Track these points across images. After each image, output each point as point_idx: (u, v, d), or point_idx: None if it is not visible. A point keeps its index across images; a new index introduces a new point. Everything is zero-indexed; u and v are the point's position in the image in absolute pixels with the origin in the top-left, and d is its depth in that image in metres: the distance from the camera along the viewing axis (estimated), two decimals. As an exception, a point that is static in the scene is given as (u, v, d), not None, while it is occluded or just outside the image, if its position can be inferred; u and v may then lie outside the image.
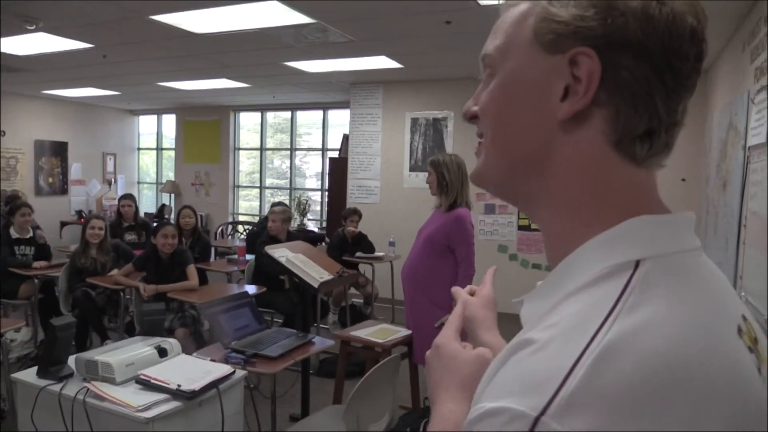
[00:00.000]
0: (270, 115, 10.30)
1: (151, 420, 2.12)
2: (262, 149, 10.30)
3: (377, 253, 6.30)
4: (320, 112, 9.60)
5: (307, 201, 9.36)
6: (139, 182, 11.69)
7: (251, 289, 4.81)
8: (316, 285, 3.33)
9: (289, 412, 3.87)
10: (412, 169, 7.43)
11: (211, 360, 2.71)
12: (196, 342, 4.44)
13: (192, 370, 2.45)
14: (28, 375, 2.43)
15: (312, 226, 9.24)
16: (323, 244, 6.69)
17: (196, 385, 2.30)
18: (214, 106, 10.19)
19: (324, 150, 9.60)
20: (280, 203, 6.09)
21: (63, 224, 9.09)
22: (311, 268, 3.38)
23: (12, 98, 9.01)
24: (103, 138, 10.77)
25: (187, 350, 3.24)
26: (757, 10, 3.56)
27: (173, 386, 2.27)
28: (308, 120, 10.05)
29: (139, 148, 11.68)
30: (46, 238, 5.65)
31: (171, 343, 2.65)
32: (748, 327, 0.53)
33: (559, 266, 0.55)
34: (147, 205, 11.39)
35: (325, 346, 3.38)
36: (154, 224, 5.69)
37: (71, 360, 2.47)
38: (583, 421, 0.42)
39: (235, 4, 4.24)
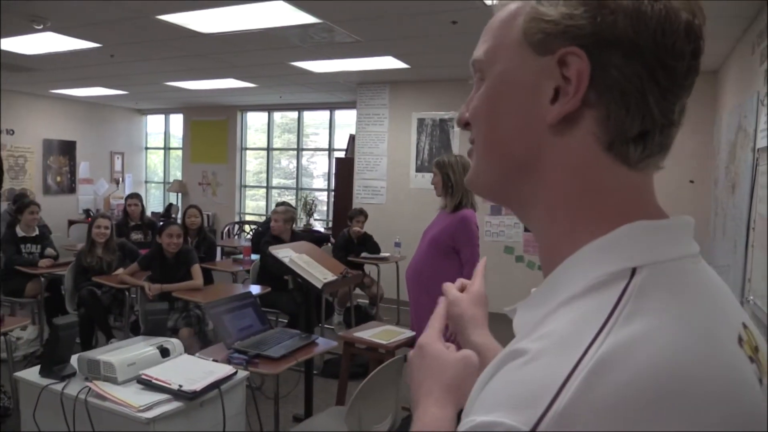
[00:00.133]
0: (277, 115, 10.31)
1: (152, 420, 2.11)
2: (269, 149, 10.31)
3: (383, 254, 6.29)
4: (327, 113, 9.61)
5: (313, 201, 9.36)
6: (146, 181, 11.74)
7: (255, 289, 4.81)
8: (319, 285, 3.32)
9: (292, 412, 3.87)
10: (418, 169, 7.42)
11: (214, 360, 2.70)
12: (201, 342, 4.44)
13: (194, 371, 2.45)
14: (31, 374, 2.44)
15: (318, 227, 9.24)
16: (328, 244, 6.68)
17: (198, 386, 2.29)
18: (221, 106, 10.22)
19: (331, 150, 9.60)
20: (283, 203, 6.10)
21: (71, 223, 9.15)
22: (315, 269, 3.37)
23: (21, 97, 9.07)
24: (110, 137, 10.82)
25: (191, 350, 3.25)
26: (767, 12, 3.52)
27: (174, 386, 2.27)
28: (315, 120, 10.06)
29: (146, 148, 11.72)
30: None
31: (173, 343, 2.64)
32: (749, 335, 0.52)
33: (553, 273, 0.53)
34: (154, 204, 11.44)
35: (328, 347, 3.38)
36: (161, 224, 5.70)
37: (74, 359, 2.47)
38: None
39: (241, 4, 4.24)
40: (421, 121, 7.41)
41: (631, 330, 0.44)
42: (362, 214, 6.32)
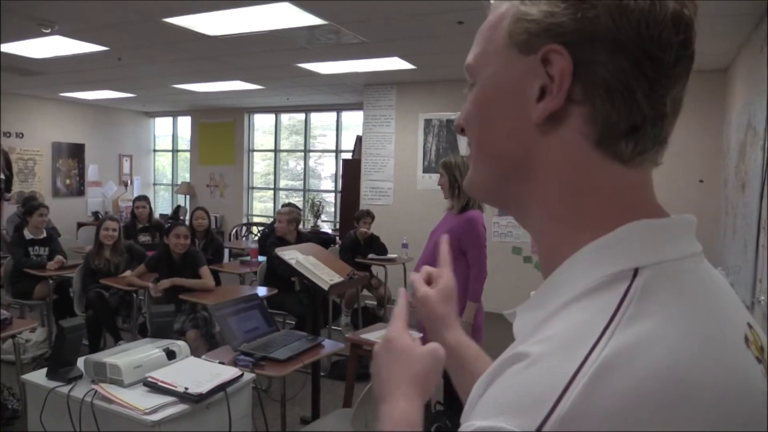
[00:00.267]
0: (284, 117, 10.33)
1: (158, 423, 2.11)
2: (276, 151, 10.33)
3: (390, 255, 6.28)
4: (334, 114, 9.62)
5: (320, 202, 9.37)
6: (155, 184, 11.79)
7: (262, 290, 4.81)
8: (326, 287, 3.31)
9: (299, 414, 3.86)
10: (425, 170, 7.41)
11: (220, 362, 2.70)
12: (208, 344, 4.44)
13: (200, 373, 2.45)
14: (38, 376, 2.44)
15: (326, 228, 9.24)
16: (335, 245, 6.68)
17: (204, 388, 2.29)
18: (228, 108, 10.25)
19: (338, 151, 9.61)
20: (288, 204, 6.09)
21: (80, 225, 9.19)
22: (321, 271, 3.36)
23: (30, 101, 9.14)
24: (119, 140, 10.89)
25: (198, 352, 3.26)
26: (777, 8, 3.48)
27: (180, 389, 2.26)
28: (322, 122, 10.07)
29: (154, 150, 11.78)
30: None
31: (179, 346, 2.64)
32: (755, 335, 0.50)
33: (553, 275, 0.52)
34: (163, 206, 11.49)
35: (335, 349, 3.37)
36: (168, 225, 5.72)
37: (81, 361, 2.47)
38: None
39: (247, 6, 4.25)
40: (428, 122, 7.40)
41: (635, 332, 0.43)
42: (369, 215, 6.31)
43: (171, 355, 2.55)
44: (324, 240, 6.08)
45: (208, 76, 7.23)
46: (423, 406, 0.71)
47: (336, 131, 9.67)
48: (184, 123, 11.24)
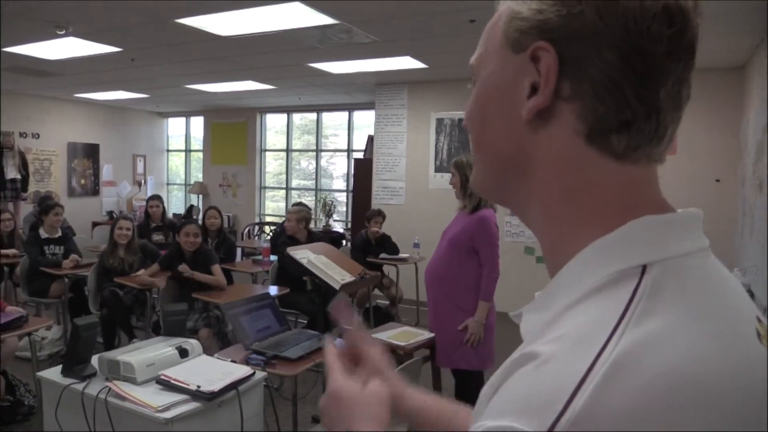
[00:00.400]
0: (296, 117, 10.36)
1: (171, 420, 2.13)
2: (288, 150, 10.36)
3: (401, 255, 6.27)
4: (345, 114, 9.63)
5: (332, 202, 9.38)
6: (168, 183, 11.87)
7: (274, 290, 4.83)
8: (337, 287, 3.32)
9: (311, 413, 3.87)
10: (437, 170, 7.39)
11: (232, 361, 2.71)
12: (221, 342, 4.46)
13: (212, 371, 2.46)
14: (53, 374, 2.47)
15: (338, 228, 9.26)
16: (345, 243, 6.68)
17: (216, 386, 2.30)
18: (241, 108, 10.29)
19: (349, 151, 9.62)
20: (298, 203, 6.10)
21: (95, 225, 9.28)
22: (333, 270, 3.37)
23: (45, 102, 9.24)
24: (133, 140, 10.98)
25: (211, 351, 3.27)
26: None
27: (193, 387, 2.28)
28: (334, 121, 10.09)
29: (168, 150, 11.86)
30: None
31: (192, 344, 2.66)
32: (765, 329, 0.50)
33: (559, 274, 0.52)
34: (176, 206, 11.57)
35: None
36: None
37: (95, 359, 2.50)
38: None
39: (259, 6, 4.26)
40: (439, 121, 7.38)
41: (647, 329, 0.43)
42: (380, 214, 6.31)
43: (183, 353, 2.57)
44: (334, 238, 6.08)
45: (221, 77, 7.27)
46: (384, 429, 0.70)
47: (348, 131, 9.68)
48: (197, 123, 11.32)
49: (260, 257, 5.89)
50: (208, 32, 4.98)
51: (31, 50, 5.77)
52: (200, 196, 10.71)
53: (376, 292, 6.25)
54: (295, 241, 5.00)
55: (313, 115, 10.05)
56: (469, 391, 3.44)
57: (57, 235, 5.53)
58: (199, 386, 2.28)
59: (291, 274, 4.78)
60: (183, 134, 11.68)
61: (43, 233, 5.44)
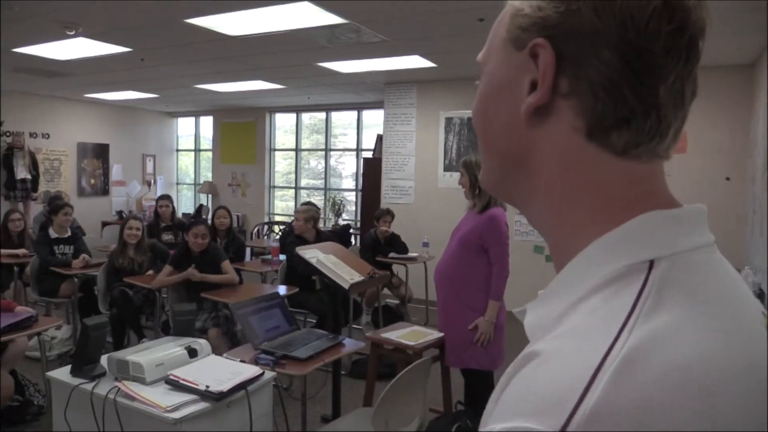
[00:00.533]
0: (305, 116, 10.37)
1: (180, 420, 2.12)
2: (297, 150, 10.37)
3: (411, 254, 6.26)
4: (354, 113, 9.63)
5: (341, 201, 9.37)
6: (177, 183, 11.92)
7: (283, 289, 4.82)
8: (346, 286, 3.31)
9: (320, 413, 3.86)
10: (446, 169, 7.37)
11: (241, 361, 2.71)
12: (230, 342, 4.47)
13: (221, 371, 2.46)
14: (62, 373, 2.48)
15: (347, 222, 9.25)
16: (352, 239, 6.66)
17: (225, 386, 2.30)
18: (250, 108, 10.32)
19: (358, 150, 9.62)
20: (307, 203, 6.10)
21: (104, 224, 9.33)
22: (342, 269, 3.36)
23: (56, 102, 9.30)
24: (142, 140, 11.03)
25: (220, 350, 3.27)
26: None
27: (202, 387, 2.27)
28: (343, 121, 10.09)
29: (177, 150, 11.91)
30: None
31: (201, 344, 2.66)
32: None
33: (564, 271, 0.51)
34: (186, 205, 11.61)
35: (355, 348, 3.36)
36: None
37: (104, 359, 2.50)
38: None
39: (268, 6, 4.26)
40: (449, 120, 7.36)
41: (657, 324, 0.42)
42: (389, 214, 6.30)
43: (193, 353, 2.57)
44: (341, 235, 6.07)
45: (230, 76, 7.28)
46: None
47: (357, 130, 9.68)
48: (207, 123, 11.35)
49: (269, 257, 5.89)
50: (218, 32, 4.98)
51: (41, 51, 5.80)
52: (209, 196, 10.74)
53: (386, 291, 6.24)
54: (303, 241, 5.00)
55: (322, 115, 10.05)
56: (478, 391, 3.43)
57: (67, 235, 5.56)
58: (208, 386, 2.28)
59: (300, 273, 4.77)
60: (192, 134, 11.72)
61: (52, 233, 5.47)
